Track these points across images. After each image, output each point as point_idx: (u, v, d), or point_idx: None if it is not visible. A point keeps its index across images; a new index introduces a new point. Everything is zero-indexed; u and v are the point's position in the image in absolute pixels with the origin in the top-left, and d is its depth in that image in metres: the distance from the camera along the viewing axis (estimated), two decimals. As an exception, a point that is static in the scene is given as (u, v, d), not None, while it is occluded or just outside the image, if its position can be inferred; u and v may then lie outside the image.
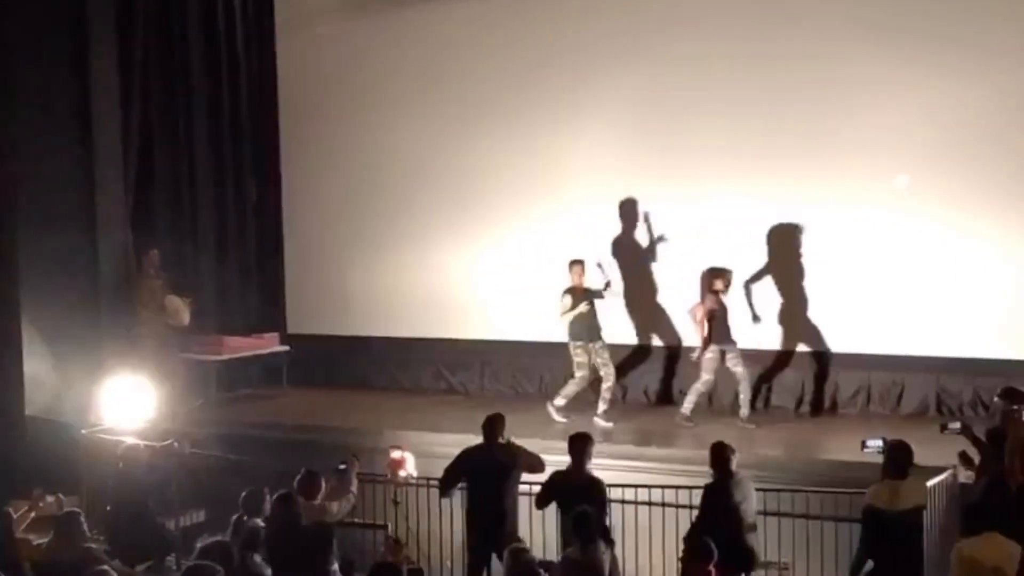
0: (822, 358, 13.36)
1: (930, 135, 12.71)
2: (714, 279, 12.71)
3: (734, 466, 9.37)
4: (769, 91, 13.29)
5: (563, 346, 13.51)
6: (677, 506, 10.33)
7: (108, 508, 10.74)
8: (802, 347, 13.43)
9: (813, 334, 13.35)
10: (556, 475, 9.87)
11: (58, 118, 13.88)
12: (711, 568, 8.43)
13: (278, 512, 9.12)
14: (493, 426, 10.17)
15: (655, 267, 13.97)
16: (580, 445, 9.78)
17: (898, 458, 8.90)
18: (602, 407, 12.90)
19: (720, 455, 9.41)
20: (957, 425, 9.56)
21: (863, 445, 9.35)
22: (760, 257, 13.47)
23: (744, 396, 12.79)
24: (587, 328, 12.92)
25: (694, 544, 8.72)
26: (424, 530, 10.94)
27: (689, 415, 12.72)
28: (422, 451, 11.32)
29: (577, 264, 13.06)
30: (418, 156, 15.12)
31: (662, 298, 13.96)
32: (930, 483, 9.40)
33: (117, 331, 14.04)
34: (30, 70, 13.61)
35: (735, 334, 12.80)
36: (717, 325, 12.58)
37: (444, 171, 14.99)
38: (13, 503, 10.22)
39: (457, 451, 10.46)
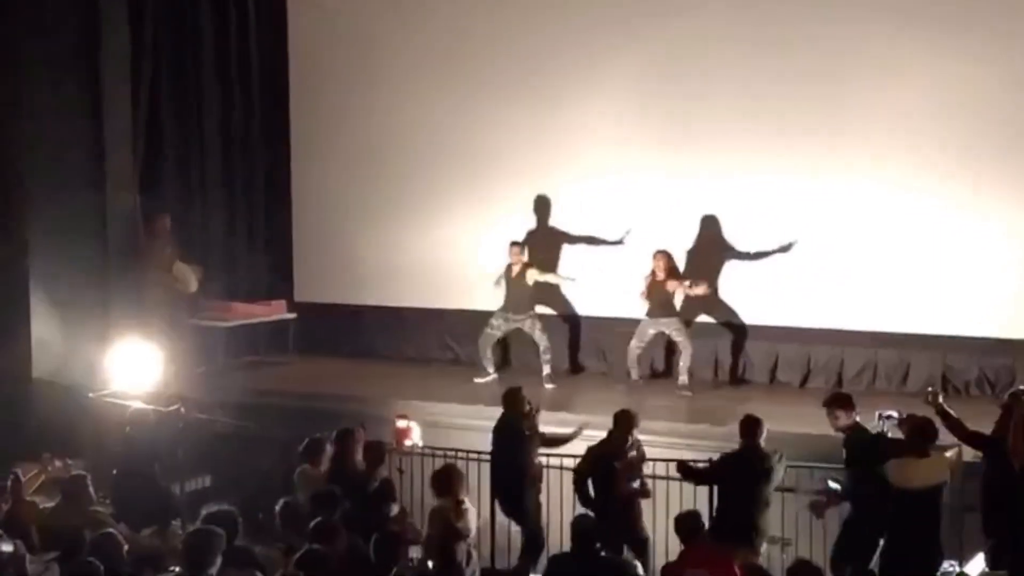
0: (828, 335, 13.41)
1: (937, 115, 12.76)
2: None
3: (762, 440, 9.43)
4: (780, 69, 13.32)
5: (567, 318, 14.16)
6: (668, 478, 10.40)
7: (114, 472, 10.78)
8: (808, 323, 13.44)
9: (818, 311, 13.36)
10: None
11: (67, 82, 13.86)
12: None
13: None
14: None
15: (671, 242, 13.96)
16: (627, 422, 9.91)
17: (921, 435, 8.92)
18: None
19: (749, 427, 9.47)
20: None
21: (878, 417, 9.36)
22: (768, 232, 13.49)
23: (683, 364, 13.19)
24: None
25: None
26: (428, 499, 10.95)
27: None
28: (428, 421, 11.36)
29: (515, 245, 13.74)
30: (428, 126, 15.10)
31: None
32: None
33: (125, 295, 14.06)
34: (39, 33, 13.58)
35: (735, 307, 13.35)
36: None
37: (454, 142, 14.97)
38: (22, 466, 10.26)
39: (465, 421, 10.60)
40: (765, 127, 13.40)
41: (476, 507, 10.86)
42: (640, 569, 8.58)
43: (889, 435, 9.41)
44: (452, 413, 12.44)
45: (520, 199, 14.60)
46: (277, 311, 15.45)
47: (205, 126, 15.66)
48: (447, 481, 9.63)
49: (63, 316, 13.60)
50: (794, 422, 11.36)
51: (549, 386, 13.56)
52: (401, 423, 10.70)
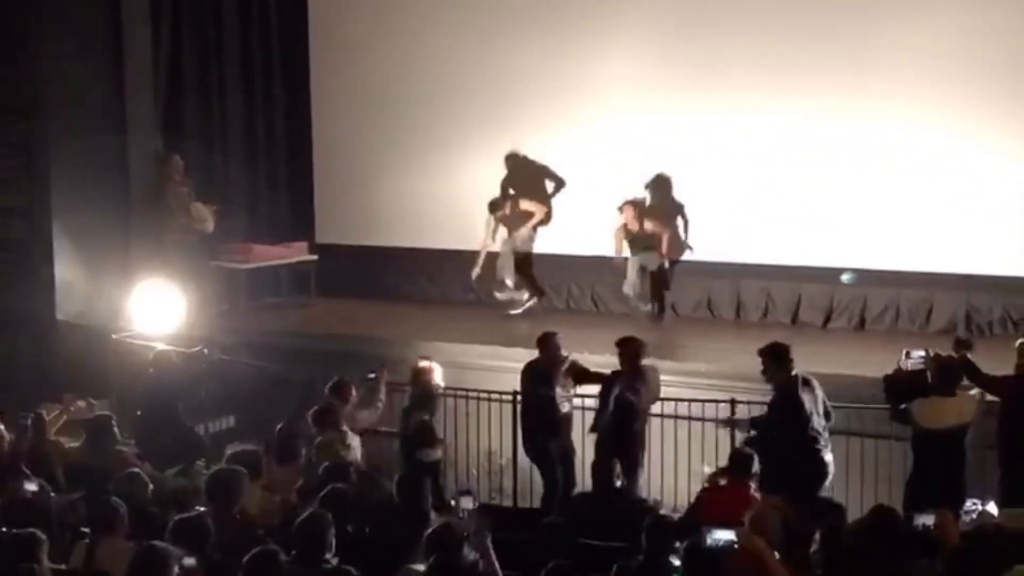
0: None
1: (963, 52, 12.62)
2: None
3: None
4: (805, 5, 13.17)
5: (589, 258, 14.05)
6: (704, 420, 10.43)
7: (139, 413, 10.84)
8: (831, 263, 13.39)
9: (841, 250, 13.31)
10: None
11: (87, 21, 13.82)
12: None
13: None
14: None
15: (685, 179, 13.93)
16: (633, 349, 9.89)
17: (948, 375, 8.90)
18: None
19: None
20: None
21: (906, 355, 9.31)
22: (791, 170, 13.42)
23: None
24: None
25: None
26: (450, 439, 11.01)
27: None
28: (449, 362, 11.38)
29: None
30: (450, 66, 15.02)
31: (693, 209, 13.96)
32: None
33: (147, 236, 14.10)
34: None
35: (755, 248, 13.46)
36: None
37: (475, 81, 14.90)
38: (45, 406, 10.32)
39: (487, 362, 10.63)
40: (789, 65, 13.29)
41: (499, 447, 10.98)
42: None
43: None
44: (474, 354, 12.46)
45: (541, 140, 14.53)
46: (298, 253, 15.44)
47: (226, 67, 15.59)
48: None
49: (86, 258, 13.64)
50: (817, 362, 11.36)
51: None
52: (423, 364, 10.72)
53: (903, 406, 9.06)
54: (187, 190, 14.43)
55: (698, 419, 10.48)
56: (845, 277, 13.18)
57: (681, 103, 13.79)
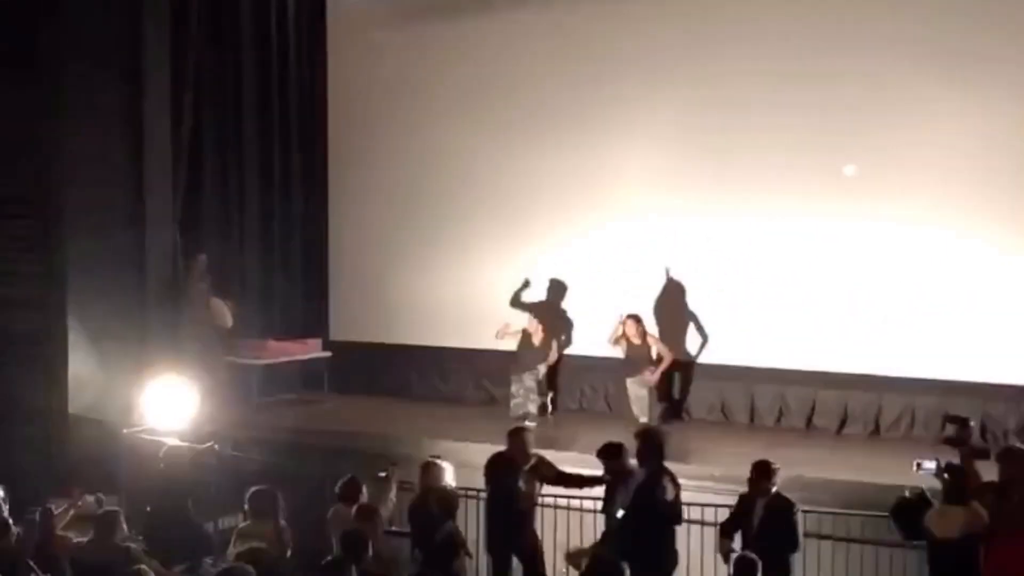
0: (866, 380, 13.31)
1: (981, 157, 12.65)
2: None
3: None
4: (817, 109, 13.28)
5: (601, 360, 14.01)
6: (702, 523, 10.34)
7: (148, 508, 10.76)
8: (845, 369, 13.33)
9: (856, 356, 13.26)
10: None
11: (108, 119, 13.97)
12: None
13: None
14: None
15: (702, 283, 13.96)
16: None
17: (955, 484, 8.82)
18: None
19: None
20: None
21: (917, 467, 9.23)
22: (806, 274, 13.44)
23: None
24: None
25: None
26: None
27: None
28: (461, 461, 11.31)
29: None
30: (466, 165, 15.16)
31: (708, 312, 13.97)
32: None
33: (162, 332, 14.12)
34: (80, 71, 13.70)
35: (769, 353, 13.46)
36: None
37: (491, 180, 15.02)
38: (54, 500, 10.27)
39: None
40: (805, 170, 13.37)
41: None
42: None
43: (925, 485, 9.27)
44: (486, 454, 12.37)
45: (555, 240, 14.62)
46: (312, 349, 15.49)
47: (245, 165, 15.77)
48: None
49: (101, 352, 13.66)
50: (831, 469, 11.30)
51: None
52: (435, 463, 10.63)
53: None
54: (206, 286, 14.51)
55: (711, 524, 10.38)
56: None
57: (696, 206, 13.88)
